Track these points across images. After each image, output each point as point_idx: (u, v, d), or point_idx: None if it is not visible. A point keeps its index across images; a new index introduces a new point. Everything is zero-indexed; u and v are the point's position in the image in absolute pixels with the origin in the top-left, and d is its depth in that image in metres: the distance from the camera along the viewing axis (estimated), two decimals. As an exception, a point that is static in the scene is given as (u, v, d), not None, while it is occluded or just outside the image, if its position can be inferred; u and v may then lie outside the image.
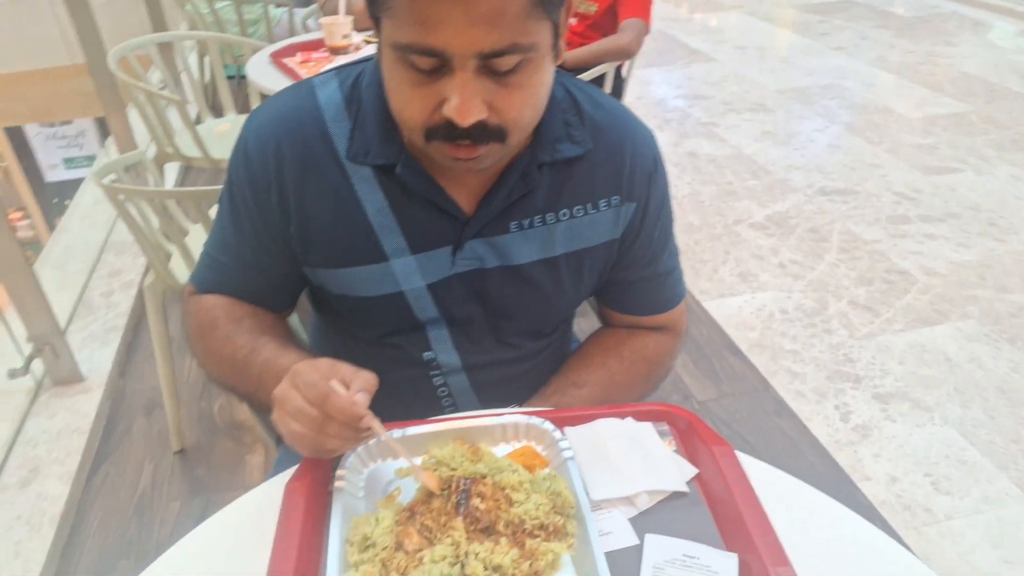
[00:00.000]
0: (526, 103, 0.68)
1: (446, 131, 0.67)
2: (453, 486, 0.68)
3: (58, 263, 2.54)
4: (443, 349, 0.90)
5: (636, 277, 0.93)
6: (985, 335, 2.22)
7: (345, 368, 0.67)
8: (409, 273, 0.82)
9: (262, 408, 0.78)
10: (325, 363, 0.67)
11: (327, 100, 0.80)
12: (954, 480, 1.74)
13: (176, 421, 1.82)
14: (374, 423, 0.67)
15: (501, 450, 0.78)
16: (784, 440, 1.86)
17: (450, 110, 0.64)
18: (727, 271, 2.57)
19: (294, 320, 1.16)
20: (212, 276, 0.88)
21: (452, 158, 0.69)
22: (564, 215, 0.83)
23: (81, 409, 1.90)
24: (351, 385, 0.65)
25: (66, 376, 1.98)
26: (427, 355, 0.90)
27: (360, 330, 0.91)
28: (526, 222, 0.82)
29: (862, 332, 2.24)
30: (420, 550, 0.64)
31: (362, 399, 0.65)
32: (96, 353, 2.11)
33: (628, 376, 0.94)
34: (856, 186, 3.13)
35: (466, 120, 0.64)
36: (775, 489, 0.73)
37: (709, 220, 2.90)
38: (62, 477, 1.71)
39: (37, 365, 1.97)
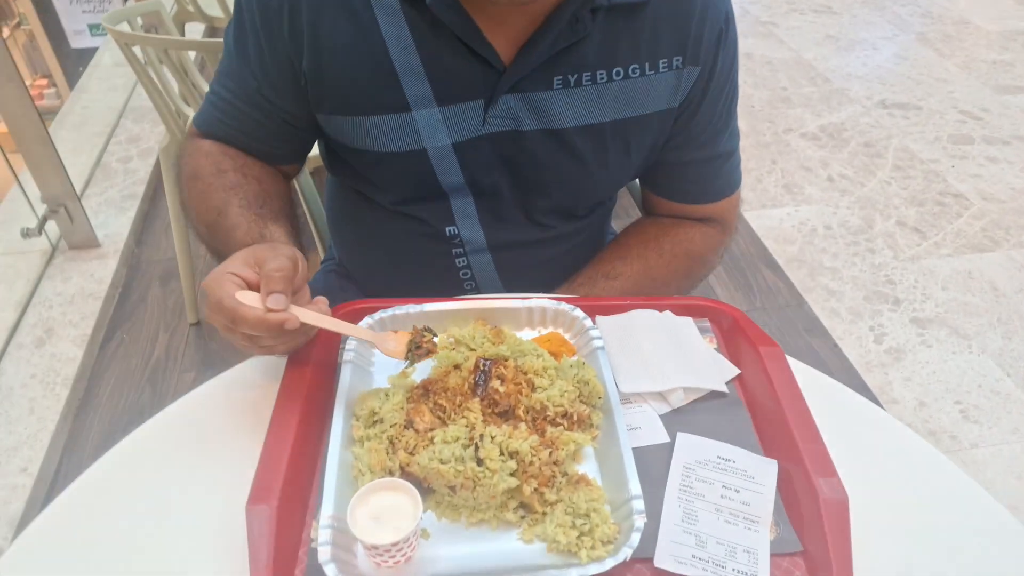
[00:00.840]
0: None
1: None
2: (473, 366, 0.61)
3: (75, 125, 2.47)
4: (467, 224, 0.83)
5: (690, 158, 0.83)
6: (1039, 266, 2.09)
7: (258, 258, 0.59)
8: (433, 128, 0.73)
9: None
10: (237, 263, 0.59)
11: None
12: (984, 410, 1.67)
13: (192, 293, 1.80)
14: (310, 318, 0.59)
15: (526, 335, 0.72)
16: (813, 358, 1.79)
17: None
18: (772, 181, 2.43)
19: (309, 185, 1.07)
20: (213, 114, 0.79)
21: None
22: (617, 74, 0.73)
23: (96, 274, 1.88)
24: (263, 287, 0.57)
25: (81, 240, 1.95)
26: (450, 230, 0.83)
27: (377, 194, 0.83)
28: (572, 78, 0.72)
29: (907, 254, 2.13)
30: (432, 429, 0.58)
31: (276, 302, 0.57)
32: (112, 219, 2.07)
33: (667, 271, 0.87)
34: (919, 101, 2.92)
35: None
36: (823, 396, 0.67)
37: (758, 127, 2.73)
38: (76, 340, 1.70)
39: (51, 227, 1.93)
